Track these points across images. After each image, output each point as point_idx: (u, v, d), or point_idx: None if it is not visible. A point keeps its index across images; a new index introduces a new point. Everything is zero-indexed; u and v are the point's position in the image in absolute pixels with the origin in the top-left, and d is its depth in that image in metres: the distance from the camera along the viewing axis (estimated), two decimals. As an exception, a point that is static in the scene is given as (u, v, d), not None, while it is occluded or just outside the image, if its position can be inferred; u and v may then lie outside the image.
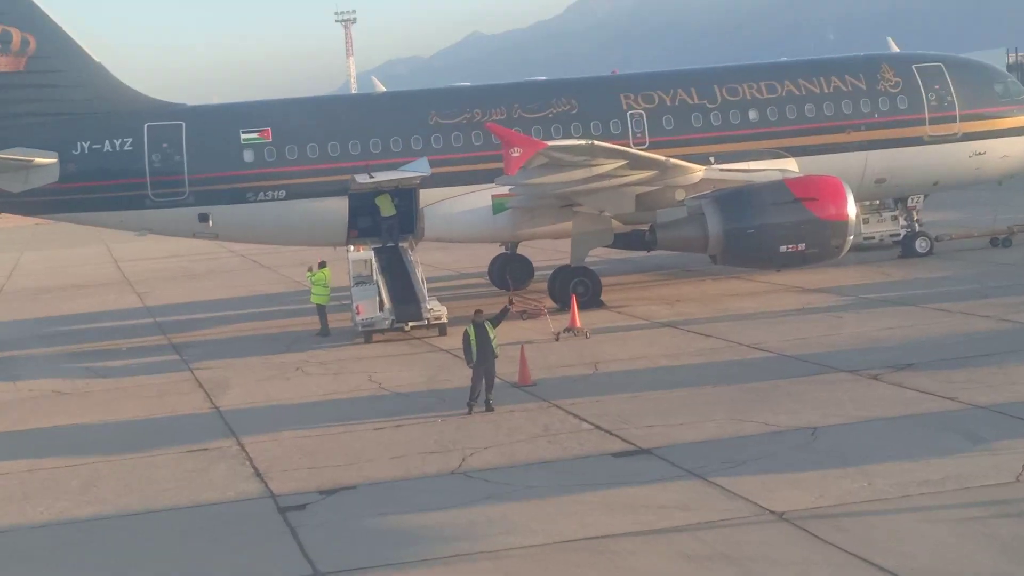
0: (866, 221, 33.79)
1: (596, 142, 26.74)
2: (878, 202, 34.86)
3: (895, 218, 34.89)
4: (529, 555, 12.84)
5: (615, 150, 27.11)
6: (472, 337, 19.75)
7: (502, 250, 35.76)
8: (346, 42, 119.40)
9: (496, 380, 20.65)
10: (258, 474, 17.84)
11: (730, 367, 23.11)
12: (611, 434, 18.46)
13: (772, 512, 13.54)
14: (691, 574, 12.02)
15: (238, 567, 13.67)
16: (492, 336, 19.94)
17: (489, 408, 20.13)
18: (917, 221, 34.32)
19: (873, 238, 34.83)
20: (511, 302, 23.58)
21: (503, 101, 31.22)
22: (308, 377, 26.09)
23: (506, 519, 14.19)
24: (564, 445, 18.12)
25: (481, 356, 19.70)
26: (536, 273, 35.97)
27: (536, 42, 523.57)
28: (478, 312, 20.57)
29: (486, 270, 36.84)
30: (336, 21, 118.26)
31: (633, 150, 28.52)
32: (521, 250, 36.61)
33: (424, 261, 33.05)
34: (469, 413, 20.02)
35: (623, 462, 17.00)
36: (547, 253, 37.50)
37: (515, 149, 25.02)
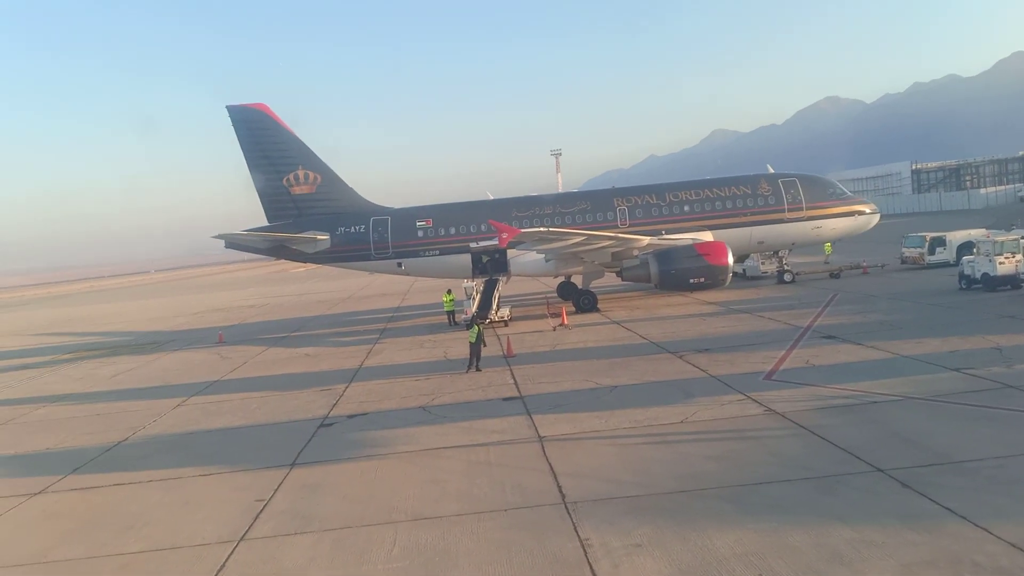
0: (762, 263, 55.23)
1: (551, 228, 45.60)
2: (768, 253, 53.66)
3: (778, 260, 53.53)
4: (405, 456, 20.13)
5: (564, 232, 45.00)
6: (473, 332, 31.88)
7: (561, 279, 56.33)
8: (556, 168, 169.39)
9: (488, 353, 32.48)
10: (334, 404, 27.06)
11: (618, 349, 32.54)
12: (515, 387, 26.49)
13: (540, 436, 20.08)
14: (463, 471, 18.28)
15: (287, 446, 22.39)
16: (481, 332, 31.99)
17: (478, 370, 30.95)
18: (786, 263, 53.19)
19: (766, 273, 55.26)
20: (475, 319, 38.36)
21: (550, 203, 51.43)
22: (422, 348, 38.75)
23: (412, 437, 21.69)
24: (487, 393, 26.19)
25: (477, 342, 31.53)
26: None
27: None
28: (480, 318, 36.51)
29: (555, 289, 58.43)
30: (550, 155, 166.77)
31: (578, 230, 45.86)
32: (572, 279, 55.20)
33: (526, 288, 59.64)
34: (467, 372, 30.74)
35: (502, 404, 24.42)
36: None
37: (504, 232, 45.38)
